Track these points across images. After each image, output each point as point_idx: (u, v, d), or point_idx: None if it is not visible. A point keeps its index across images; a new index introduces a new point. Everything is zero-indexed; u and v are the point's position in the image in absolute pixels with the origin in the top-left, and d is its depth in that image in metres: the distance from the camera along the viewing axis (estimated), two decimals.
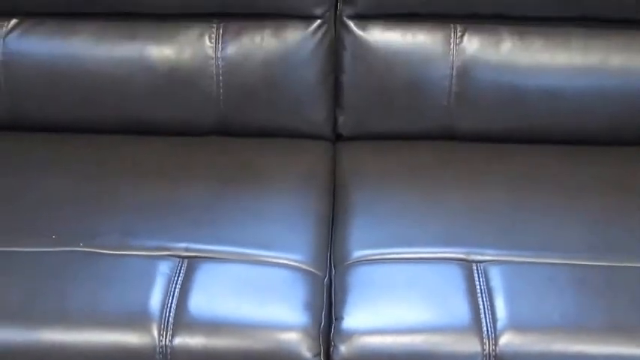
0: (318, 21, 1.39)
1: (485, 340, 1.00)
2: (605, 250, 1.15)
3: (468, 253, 1.14)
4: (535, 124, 1.41)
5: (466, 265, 1.12)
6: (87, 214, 1.22)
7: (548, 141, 1.41)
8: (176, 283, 1.08)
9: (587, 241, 1.17)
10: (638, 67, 1.38)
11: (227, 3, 1.38)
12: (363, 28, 1.40)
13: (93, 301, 1.05)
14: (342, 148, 1.44)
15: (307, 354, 1.02)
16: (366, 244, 1.18)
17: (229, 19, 1.40)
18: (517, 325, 1.02)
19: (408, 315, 1.05)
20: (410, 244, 1.17)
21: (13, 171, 1.33)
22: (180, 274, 1.10)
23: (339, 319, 1.05)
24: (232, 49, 1.39)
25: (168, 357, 1.01)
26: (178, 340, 1.00)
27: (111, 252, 1.13)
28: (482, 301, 1.05)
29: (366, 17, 1.39)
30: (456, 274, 1.11)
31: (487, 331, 1.01)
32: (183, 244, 1.15)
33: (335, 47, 1.42)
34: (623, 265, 1.13)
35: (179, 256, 1.13)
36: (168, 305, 1.04)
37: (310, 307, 1.07)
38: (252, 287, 1.09)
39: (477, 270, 1.11)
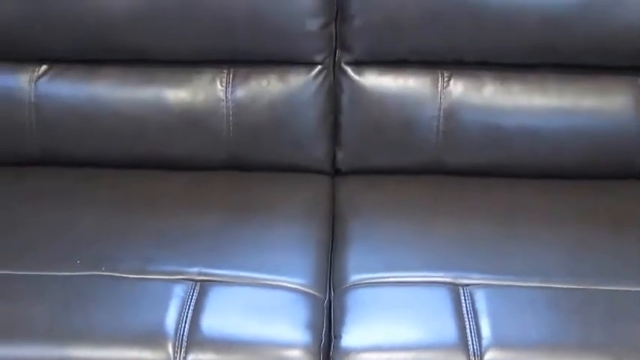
0: (319, 67, 1.40)
1: (472, 357, 1.01)
2: (579, 274, 1.15)
3: (455, 278, 1.14)
4: (516, 160, 1.41)
5: (454, 288, 1.13)
6: (109, 241, 1.22)
7: (528, 175, 1.41)
8: (190, 305, 1.08)
9: (563, 266, 1.17)
10: (607, 109, 1.39)
11: (236, 50, 1.39)
12: (360, 74, 1.41)
13: (114, 321, 1.05)
14: (340, 182, 1.45)
15: None
16: (363, 269, 1.18)
17: (238, 65, 1.41)
18: (500, 343, 1.02)
19: (401, 334, 1.06)
20: (402, 269, 1.17)
21: (43, 202, 1.33)
22: (194, 297, 1.10)
23: (338, 337, 1.06)
24: (241, 92, 1.40)
25: None
26: (191, 357, 1.01)
27: (131, 276, 1.13)
28: (469, 321, 1.06)
29: (362, 63, 1.41)
30: (444, 296, 1.11)
31: (473, 348, 1.02)
32: (196, 269, 1.15)
33: (334, 90, 1.43)
34: (595, 288, 1.13)
35: (192, 280, 1.13)
36: (183, 325, 1.04)
37: (311, 326, 1.08)
38: (258, 308, 1.10)
39: (464, 293, 1.12)
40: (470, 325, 1.06)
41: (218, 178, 1.41)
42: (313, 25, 1.36)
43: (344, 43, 1.40)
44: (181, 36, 1.36)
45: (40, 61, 1.41)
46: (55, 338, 1.03)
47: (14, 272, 1.14)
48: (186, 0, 1.33)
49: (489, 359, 1.00)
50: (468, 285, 1.13)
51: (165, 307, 1.07)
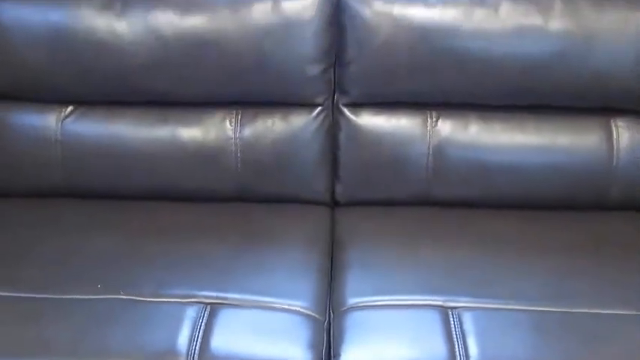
0: (319, 108, 1.41)
1: None
2: (559, 299, 1.15)
3: (444, 301, 1.14)
4: (498, 193, 1.41)
5: (443, 311, 1.13)
6: (127, 267, 1.22)
7: (510, 207, 1.41)
8: (200, 326, 1.09)
9: (544, 291, 1.17)
10: (581, 146, 1.38)
11: (244, 93, 1.40)
12: (356, 114, 1.41)
13: (131, 341, 1.06)
14: (339, 213, 1.44)
15: None
16: (360, 293, 1.18)
17: (246, 107, 1.41)
18: None
19: (394, 352, 1.06)
20: (396, 293, 1.17)
21: (67, 231, 1.33)
22: (204, 318, 1.10)
23: (337, 356, 1.06)
24: (249, 130, 1.40)
25: None
26: None
27: (147, 299, 1.14)
28: (457, 342, 1.06)
29: (358, 105, 1.41)
30: (434, 318, 1.11)
31: None
32: (207, 293, 1.15)
33: (333, 129, 1.43)
34: (574, 311, 1.13)
35: (203, 303, 1.13)
36: (194, 344, 1.05)
37: (312, 346, 1.08)
38: (263, 329, 1.10)
39: (453, 315, 1.12)
40: (458, 345, 1.06)
41: (227, 209, 1.41)
42: (314, 70, 1.37)
43: (342, 87, 1.41)
44: (194, 80, 1.37)
45: (66, 103, 1.42)
46: (75, 356, 1.03)
47: (39, 295, 1.15)
48: (198, 48, 1.33)
49: None
50: (456, 308, 1.13)
51: (178, 328, 1.07)
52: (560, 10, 1.31)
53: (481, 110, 1.40)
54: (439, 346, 1.06)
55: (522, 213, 1.39)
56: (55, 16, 1.33)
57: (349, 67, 1.37)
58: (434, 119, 1.40)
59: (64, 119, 1.41)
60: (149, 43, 1.33)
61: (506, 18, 1.31)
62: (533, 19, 1.31)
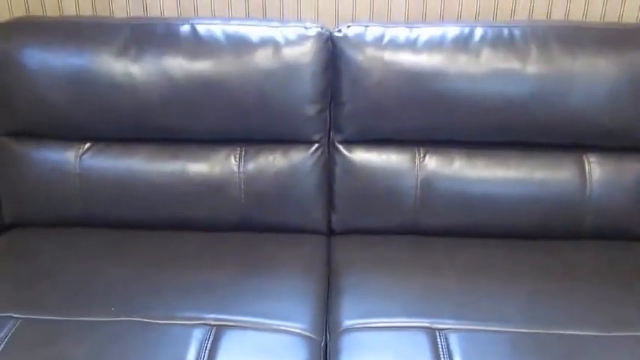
0: (316, 145, 1.42)
1: None
2: (535, 321, 1.16)
3: (432, 323, 1.15)
4: (481, 223, 1.41)
5: (431, 332, 1.13)
6: (139, 291, 1.22)
7: (491, 236, 1.41)
8: (207, 346, 1.10)
9: (522, 314, 1.18)
10: (556, 180, 1.39)
11: (248, 131, 1.40)
12: (350, 150, 1.42)
13: (143, 359, 1.06)
14: (335, 241, 1.45)
15: None
16: (355, 316, 1.18)
17: (249, 144, 1.42)
18: None
19: None
20: (387, 316, 1.17)
21: (84, 258, 1.33)
22: (210, 339, 1.11)
23: None
24: (252, 165, 1.41)
25: None
26: None
27: (157, 321, 1.14)
28: None
29: (351, 142, 1.43)
30: (423, 339, 1.12)
31: None
32: (212, 315, 1.16)
33: (329, 164, 1.44)
34: (548, 332, 1.14)
35: (209, 325, 1.14)
36: None
37: None
38: (265, 349, 1.10)
39: (440, 336, 1.13)
40: None
41: (231, 237, 1.41)
42: (311, 110, 1.38)
43: (337, 126, 1.42)
44: (202, 119, 1.38)
45: (85, 140, 1.43)
46: None
47: (58, 318, 1.16)
48: (206, 89, 1.35)
49: None
50: (443, 329, 1.14)
51: (186, 348, 1.09)
52: (535, 55, 1.33)
53: (464, 147, 1.42)
54: None
55: (502, 241, 1.40)
56: (76, 61, 1.35)
57: (344, 107, 1.39)
58: (421, 155, 1.41)
59: (82, 155, 1.42)
60: (161, 85, 1.35)
61: (487, 62, 1.33)
62: (512, 64, 1.33)
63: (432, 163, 1.41)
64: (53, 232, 1.43)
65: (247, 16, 1.57)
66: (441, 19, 1.56)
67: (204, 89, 1.35)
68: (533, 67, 1.33)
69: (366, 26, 1.38)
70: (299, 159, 1.42)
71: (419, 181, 1.40)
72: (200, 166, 1.41)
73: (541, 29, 1.37)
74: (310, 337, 1.15)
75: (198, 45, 1.35)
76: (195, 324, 1.14)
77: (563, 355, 1.09)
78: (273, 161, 1.41)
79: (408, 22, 1.43)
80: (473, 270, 1.31)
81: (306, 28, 1.37)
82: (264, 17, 1.56)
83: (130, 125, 1.40)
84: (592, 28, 1.38)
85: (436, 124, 1.38)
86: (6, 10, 1.57)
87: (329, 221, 1.47)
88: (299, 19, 1.55)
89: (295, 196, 1.42)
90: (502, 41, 1.35)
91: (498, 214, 1.40)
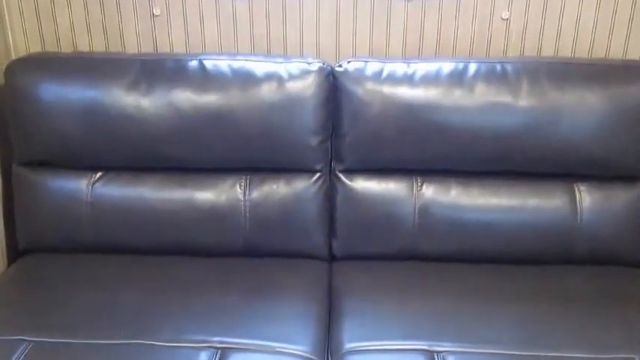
0: (318, 174, 1.44)
1: None
2: (527, 343, 1.16)
3: (430, 346, 1.16)
4: (476, 249, 1.42)
5: (429, 354, 1.14)
6: (147, 315, 1.22)
7: (485, 261, 1.42)
8: None
9: (515, 336, 1.18)
10: (548, 207, 1.40)
11: (252, 161, 1.42)
12: (351, 179, 1.44)
13: None
14: (336, 266, 1.45)
15: None
16: (355, 338, 1.19)
17: (254, 173, 1.44)
18: None
19: None
20: (387, 338, 1.18)
21: (96, 283, 1.34)
22: None
23: None
24: (256, 193, 1.42)
25: None
26: None
27: (164, 344, 1.15)
28: None
29: (352, 171, 1.44)
30: None
31: None
32: (218, 338, 1.16)
33: (330, 192, 1.45)
34: (543, 354, 1.14)
35: (215, 347, 1.14)
36: None
37: None
38: None
39: (438, 358, 1.13)
40: None
41: (236, 262, 1.42)
42: (314, 141, 1.40)
43: (338, 155, 1.44)
44: (209, 149, 1.40)
45: (96, 169, 1.44)
46: None
47: (68, 340, 1.16)
48: (212, 121, 1.37)
49: None
50: (441, 352, 1.14)
51: None
52: (527, 89, 1.36)
53: (460, 176, 1.43)
54: None
55: (496, 267, 1.41)
56: (89, 95, 1.38)
57: (345, 138, 1.41)
58: (419, 183, 1.43)
59: (94, 183, 1.43)
60: (169, 117, 1.37)
61: (481, 96, 1.36)
62: (504, 98, 1.36)
63: (429, 191, 1.42)
64: (65, 258, 1.44)
65: (252, 52, 1.59)
66: (437, 55, 1.59)
67: (211, 121, 1.37)
68: (524, 100, 1.36)
69: (366, 61, 1.40)
70: (302, 187, 1.43)
71: (417, 209, 1.41)
72: (207, 195, 1.42)
73: (532, 65, 1.40)
74: (312, 359, 1.15)
75: (205, 79, 1.38)
76: (201, 347, 1.15)
77: None
78: (277, 189, 1.42)
79: (406, 58, 1.47)
80: (469, 294, 1.31)
81: (308, 63, 1.40)
82: (269, 53, 1.59)
83: (139, 155, 1.42)
84: (580, 64, 1.41)
85: (433, 155, 1.40)
86: (23, 46, 1.61)
87: (330, 247, 1.48)
88: (301, 55, 1.58)
89: (298, 223, 1.43)
90: (495, 76, 1.38)
91: (493, 241, 1.42)
